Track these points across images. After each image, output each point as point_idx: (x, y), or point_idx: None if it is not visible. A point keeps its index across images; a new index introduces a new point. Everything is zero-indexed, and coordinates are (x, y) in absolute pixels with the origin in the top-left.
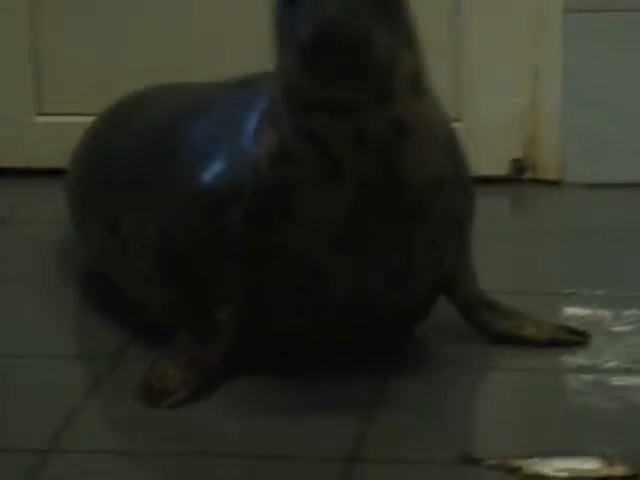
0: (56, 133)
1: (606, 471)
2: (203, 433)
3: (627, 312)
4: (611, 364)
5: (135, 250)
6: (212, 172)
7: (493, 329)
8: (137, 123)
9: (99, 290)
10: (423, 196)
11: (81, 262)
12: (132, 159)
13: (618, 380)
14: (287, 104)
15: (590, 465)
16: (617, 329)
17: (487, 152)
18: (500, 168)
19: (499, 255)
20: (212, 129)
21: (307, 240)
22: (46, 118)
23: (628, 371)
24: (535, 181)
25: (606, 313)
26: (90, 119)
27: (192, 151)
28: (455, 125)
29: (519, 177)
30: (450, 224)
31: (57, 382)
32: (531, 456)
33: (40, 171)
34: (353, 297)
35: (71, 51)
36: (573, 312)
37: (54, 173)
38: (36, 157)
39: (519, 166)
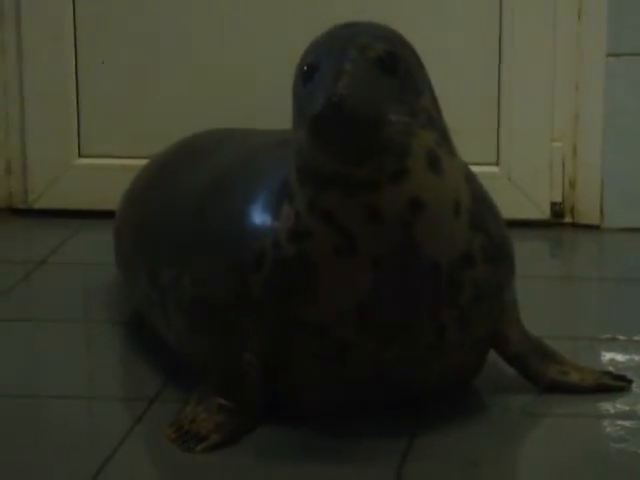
0: (97, 175)
1: None
2: (238, 478)
3: None
4: None
5: (171, 301)
6: (239, 236)
7: (540, 377)
8: (184, 176)
9: (139, 333)
10: (448, 273)
11: (122, 304)
12: (176, 212)
13: None
14: (301, 181)
15: None
16: None
17: (526, 196)
18: (539, 212)
19: (537, 299)
20: (246, 192)
21: (330, 314)
22: (87, 160)
23: None
24: (574, 225)
25: None
26: (130, 162)
27: (225, 212)
28: (494, 169)
29: (558, 221)
30: (485, 297)
31: (94, 425)
32: None
33: (81, 213)
34: (378, 372)
35: (113, 95)
36: (611, 357)
37: (94, 215)
38: (77, 199)
39: (558, 210)
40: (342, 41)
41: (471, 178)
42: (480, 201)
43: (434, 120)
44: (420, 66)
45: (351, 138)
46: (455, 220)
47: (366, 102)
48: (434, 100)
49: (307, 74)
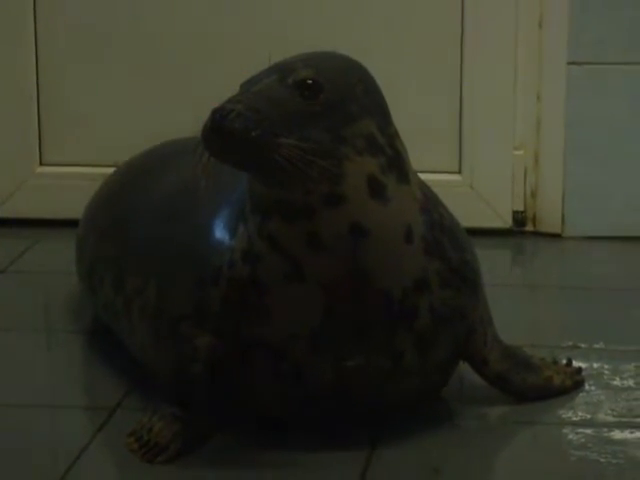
0: (58, 184)
1: None
2: None
3: (626, 366)
4: (610, 418)
5: (135, 310)
6: (201, 251)
7: (523, 392)
8: (151, 185)
9: (100, 342)
10: (401, 299)
11: (83, 313)
12: (142, 222)
13: (617, 434)
14: (250, 206)
15: None
16: (616, 383)
17: (488, 204)
18: (501, 220)
19: (499, 307)
20: (211, 205)
21: (283, 336)
22: (48, 168)
23: (627, 425)
24: (536, 233)
25: (605, 366)
26: (92, 170)
27: (189, 225)
28: (456, 177)
29: (520, 229)
30: (445, 321)
31: (55, 434)
32: None
33: (41, 222)
34: (335, 393)
35: (74, 102)
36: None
37: (55, 224)
38: (38, 208)
39: (520, 218)
40: (274, 66)
41: (429, 203)
42: (437, 226)
43: (378, 146)
44: (366, 93)
45: (227, 155)
46: (407, 247)
47: (251, 121)
48: (384, 126)
49: None
